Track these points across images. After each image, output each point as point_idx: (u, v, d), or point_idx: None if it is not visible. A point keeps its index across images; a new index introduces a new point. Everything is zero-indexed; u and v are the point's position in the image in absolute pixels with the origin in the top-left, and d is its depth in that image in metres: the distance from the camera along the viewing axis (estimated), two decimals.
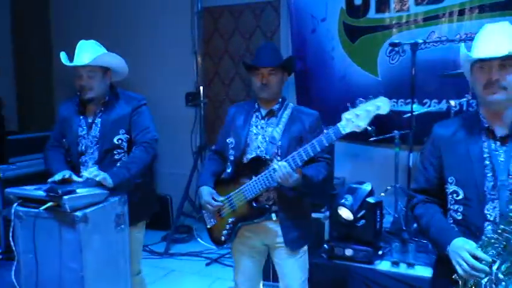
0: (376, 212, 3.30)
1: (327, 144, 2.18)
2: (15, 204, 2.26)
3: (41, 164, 4.30)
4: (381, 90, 4.46)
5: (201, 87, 5.25)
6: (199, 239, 4.78)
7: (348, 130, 2.12)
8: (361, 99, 2.18)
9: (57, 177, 2.39)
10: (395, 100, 4.47)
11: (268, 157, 2.37)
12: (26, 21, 5.97)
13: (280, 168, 2.20)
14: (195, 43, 5.32)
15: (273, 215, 2.38)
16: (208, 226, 2.56)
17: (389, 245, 3.52)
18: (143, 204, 2.70)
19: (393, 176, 3.99)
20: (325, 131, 2.22)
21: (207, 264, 4.25)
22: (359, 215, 3.26)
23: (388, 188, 4.04)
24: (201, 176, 2.62)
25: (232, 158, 2.51)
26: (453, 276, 1.75)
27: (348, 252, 3.22)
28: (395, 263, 3.22)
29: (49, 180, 2.39)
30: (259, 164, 2.36)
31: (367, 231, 3.28)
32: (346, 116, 2.12)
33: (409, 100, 3.97)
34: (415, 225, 3.54)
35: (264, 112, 2.51)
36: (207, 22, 5.40)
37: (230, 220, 2.46)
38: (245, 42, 5.28)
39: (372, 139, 3.80)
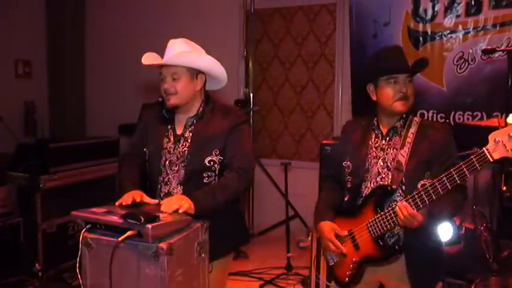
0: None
1: (468, 176, 1.78)
2: (83, 231, 1.93)
3: (83, 174, 4.05)
4: (446, 102, 4.23)
5: (251, 94, 4.90)
6: (244, 257, 4.46)
7: (497, 156, 1.71)
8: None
9: (126, 200, 2.04)
10: (461, 113, 4.18)
11: (394, 187, 1.99)
12: (60, 26, 5.71)
13: (401, 210, 1.85)
14: (243, 47, 5.00)
15: (402, 255, 2.00)
16: (331, 264, 2.21)
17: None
18: (229, 234, 2.28)
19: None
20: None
21: (261, 286, 3.90)
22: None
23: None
24: (319, 209, 2.24)
25: (349, 185, 2.13)
26: None
27: None
28: None
29: (117, 203, 2.04)
30: (382, 195, 2.00)
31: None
32: (494, 137, 1.72)
33: (476, 113, 3.71)
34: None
35: (384, 130, 2.10)
36: (255, 25, 5.07)
37: (353, 259, 2.09)
38: (297, 47, 4.95)
39: None
